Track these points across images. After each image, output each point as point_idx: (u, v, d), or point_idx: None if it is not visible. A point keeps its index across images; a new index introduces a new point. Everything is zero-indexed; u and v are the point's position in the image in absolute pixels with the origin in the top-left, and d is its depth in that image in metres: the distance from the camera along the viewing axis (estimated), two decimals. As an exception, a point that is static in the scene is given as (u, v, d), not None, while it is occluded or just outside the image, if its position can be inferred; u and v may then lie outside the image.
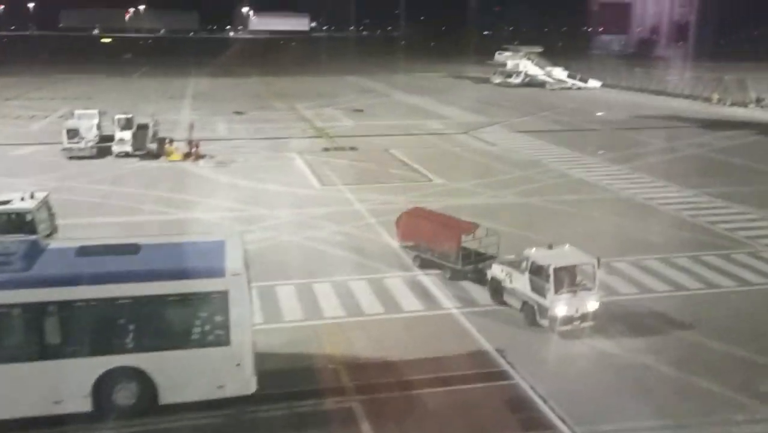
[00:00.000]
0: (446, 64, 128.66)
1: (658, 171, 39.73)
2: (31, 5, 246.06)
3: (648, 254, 25.50)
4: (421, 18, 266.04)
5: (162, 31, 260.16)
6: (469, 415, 15.28)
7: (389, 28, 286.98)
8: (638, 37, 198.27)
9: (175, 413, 14.84)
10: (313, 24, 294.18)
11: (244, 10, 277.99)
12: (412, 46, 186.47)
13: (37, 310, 14.19)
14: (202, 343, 14.78)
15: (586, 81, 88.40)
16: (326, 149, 46.15)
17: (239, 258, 15.35)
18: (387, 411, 15.38)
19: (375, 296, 21.61)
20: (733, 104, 69.31)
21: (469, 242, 23.08)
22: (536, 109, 68.25)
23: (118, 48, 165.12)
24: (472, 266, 22.61)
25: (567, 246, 20.29)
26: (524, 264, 19.57)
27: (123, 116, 43.94)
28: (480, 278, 22.15)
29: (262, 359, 15.81)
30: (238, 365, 14.82)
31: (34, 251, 15.25)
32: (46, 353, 14.33)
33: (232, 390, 14.91)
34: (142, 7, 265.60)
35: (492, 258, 22.28)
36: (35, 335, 14.30)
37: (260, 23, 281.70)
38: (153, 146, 42.52)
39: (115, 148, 41.92)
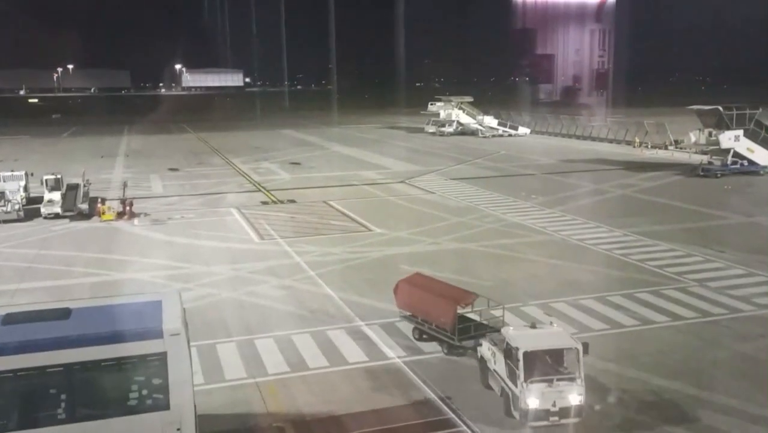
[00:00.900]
0: (380, 115, 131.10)
1: (588, 213, 41.16)
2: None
3: (584, 294, 26.18)
4: (355, 72, 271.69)
5: (92, 90, 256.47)
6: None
7: (323, 81, 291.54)
8: (562, 86, 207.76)
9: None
10: (247, 79, 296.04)
11: (177, 66, 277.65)
12: (346, 99, 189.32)
13: (-40, 384, 13.38)
14: (140, 409, 14.16)
15: (516, 128, 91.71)
16: (264, 203, 45.91)
17: (177, 317, 14.92)
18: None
19: (319, 349, 21.34)
20: (654, 147, 72.97)
21: (469, 312, 20.91)
22: (470, 156, 70.02)
23: (46, 108, 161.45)
24: (472, 340, 20.16)
25: (555, 326, 17.97)
26: (503, 344, 17.19)
27: (51, 177, 42.77)
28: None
29: (204, 422, 15.29)
30: (179, 429, 14.26)
31: (-44, 322, 14.43)
32: (-31, 429, 13.47)
33: (173, 456, 14.29)
34: (70, 66, 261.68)
35: (496, 332, 19.39)
36: (-42, 411, 13.44)
37: (194, 80, 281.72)
38: (84, 206, 41.40)
39: (44, 209, 40.62)
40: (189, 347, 14.99)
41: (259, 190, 50.87)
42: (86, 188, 43.89)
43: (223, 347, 21.53)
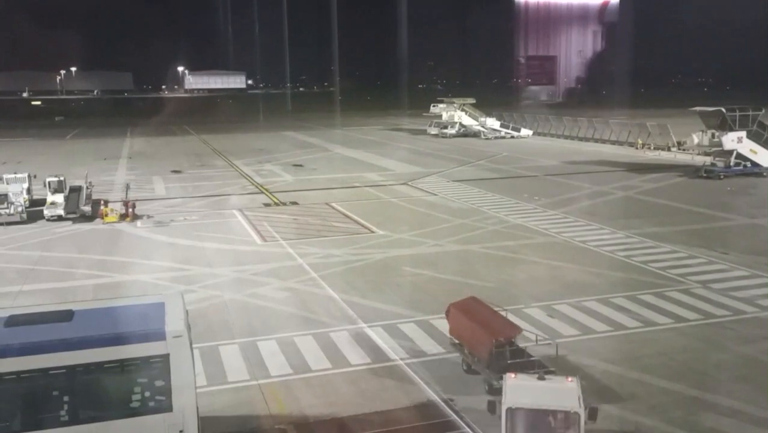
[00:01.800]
0: (382, 117, 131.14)
1: (591, 214, 41.12)
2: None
3: (587, 296, 26.15)
4: (357, 73, 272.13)
5: (95, 92, 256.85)
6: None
7: (325, 83, 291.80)
8: (564, 88, 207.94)
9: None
10: (250, 81, 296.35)
11: (180, 69, 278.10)
12: (348, 101, 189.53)
13: (-37, 386, 13.40)
14: (142, 411, 14.17)
15: (518, 130, 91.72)
16: (267, 205, 45.94)
17: (180, 319, 14.93)
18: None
19: (322, 351, 21.33)
20: (656, 148, 72.89)
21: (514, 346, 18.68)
22: (472, 158, 70.01)
23: (49, 110, 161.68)
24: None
25: (569, 380, 14.52)
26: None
27: (54, 179, 42.81)
28: None
29: (207, 424, 15.29)
30: (182, 431, 14.27)
31: (-41, 324, 14.46)
32: (-28, 431, 13.49)
33: (175, 458, 14.29)
34: (73, 69, 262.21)
35: (544, 368, 17.23)
36: (-39, 413, 13.47)
37: (196, 82, 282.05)
38: (87, 208, 41.46)
39: (47, 212, 40.67)
40: (192, 349, 15.01)
41: (262, 192, 50.92)
42: (89, 190, 43.92)
43: (225, 348, 21.53)
